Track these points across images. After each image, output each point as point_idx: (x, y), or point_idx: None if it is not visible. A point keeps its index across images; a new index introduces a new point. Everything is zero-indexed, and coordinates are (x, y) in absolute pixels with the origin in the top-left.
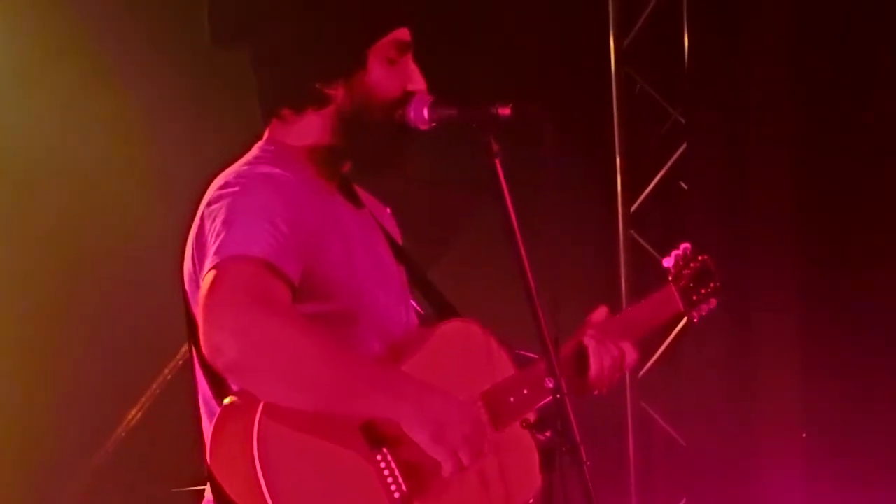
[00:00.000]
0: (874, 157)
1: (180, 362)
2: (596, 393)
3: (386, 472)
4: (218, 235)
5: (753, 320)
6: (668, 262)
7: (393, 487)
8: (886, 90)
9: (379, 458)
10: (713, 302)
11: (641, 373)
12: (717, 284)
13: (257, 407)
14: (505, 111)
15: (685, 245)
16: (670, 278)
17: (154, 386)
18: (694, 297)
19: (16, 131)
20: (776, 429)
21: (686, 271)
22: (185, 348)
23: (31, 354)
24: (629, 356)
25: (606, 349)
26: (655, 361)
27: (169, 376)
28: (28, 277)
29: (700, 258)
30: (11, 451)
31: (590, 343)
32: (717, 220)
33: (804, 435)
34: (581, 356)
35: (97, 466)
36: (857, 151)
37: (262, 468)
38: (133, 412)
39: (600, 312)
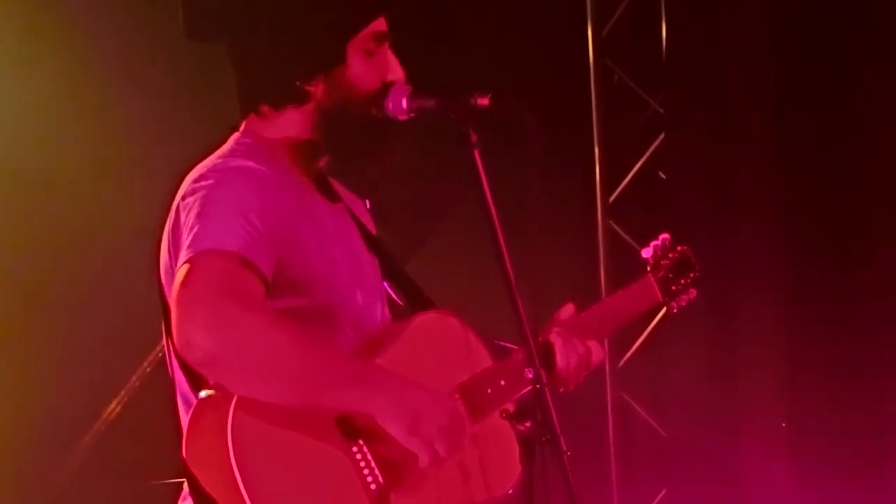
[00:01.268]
0: (857, 145)
1: (160, 355)
2: (562, 390)
3: (362, 465)
4: (192, 229)
5: (734, 310)
6: (646, 253)
7: (369, 479)
8: (868, 78)
9: (355, 450)
10: (693, 292)
11: (622, 363)
12: (697, 275)
13: (231, 400)
14: (483, 102)
15: (664, 236)
16: (649, 269)
17: (133, 379)
18: (673, 288)
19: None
20: (757, 419)
21: (664, 262)
22: (164, 341)
23: (10, 349)
24: (595, 355)
25: (573, 347)
26: (636, 351)
27: (148, 369)
28: (5, 272)
29: (679, 249)
30: None
31: (556, 341)
32: (696, 210)
33: (784, 425)
34: (547, 353)
35: (78, 458)
36: (838, 142)
37: (236, 461)
38: (112, 405)
39: (567, 310)
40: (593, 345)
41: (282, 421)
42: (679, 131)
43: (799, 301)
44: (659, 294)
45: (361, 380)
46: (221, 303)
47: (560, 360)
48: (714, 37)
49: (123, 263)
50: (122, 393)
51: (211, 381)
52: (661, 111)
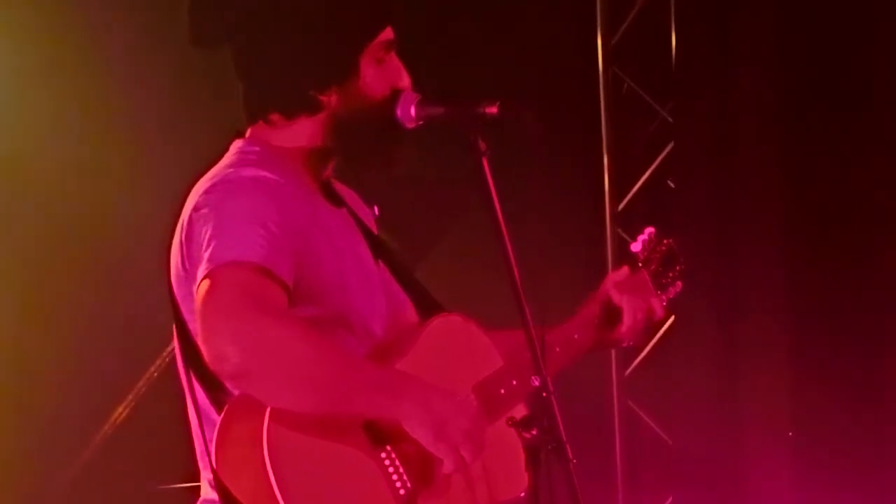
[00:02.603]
0: (863, 155)
1: (167, 360)
2: (626, 345)
3: (391, 470)
4: (210, 241)
5: (740, 318)
6: (636, 247)
7: (398, 485)
8: (876, 88)
9: (383, 455)
10: (679, 285)
11: (628, 371)
12: (683, 267)
13: (263, 411)
14: (492, 110)
15: (650, 229)
16: (640, 263)
17: (141, 383)
18: (663, 281)
19: (5, 131)
20: (763, 428)
21: (654, 255)
22: (171, 346)
23: (19, 352)
24: (658, 311)
25: (638, 304)
26: (642, 360)
27: (156, 374)
28: (15, 276)
29: (665, 242)
30: None
31: (623, 298)
32: (705, 219)
33: (791, 434)
34: (612, 311)
35: (85, 463)
36: (845, 150)
37: (273, 471)
38: (120, 409)
39: (622, 272)
40: (656, 302)
41: (313, 429)
42: (688, 140)
43: (805, 310)
44: (652, 288)
45: (388, 387)
46: (247, 314)
47: (628, 316)
48: (723, 46)
49: (131, 268)
50: (130, 397)
51: (236, 393)
52: (671, 120)
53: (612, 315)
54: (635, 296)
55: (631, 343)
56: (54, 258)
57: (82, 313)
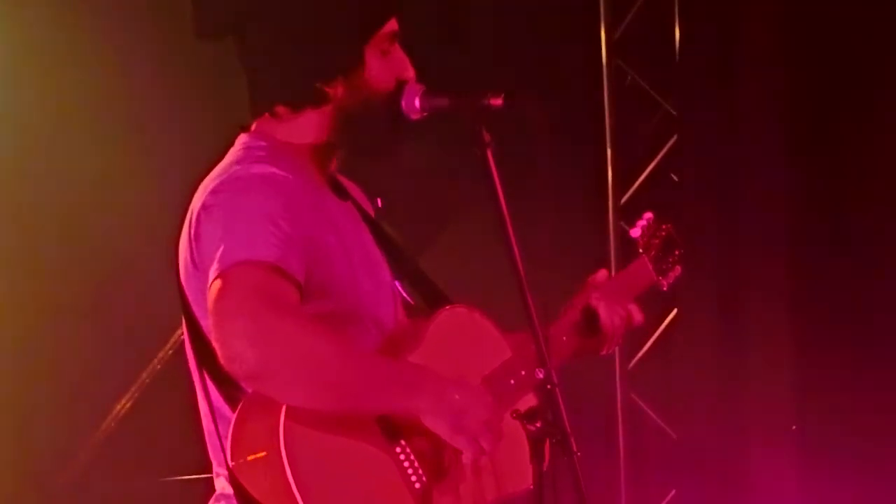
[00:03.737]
0: (868, 148)
1: (170, 352)
2: (604, 352)
3: (406, 464)
4: (221, 241)
5: (743, 311)
6: (635, 233)
7: (413, 479)
8: (881, 80)
9: (398, 450)
10: (678, 269)
11: (631, 364)
12: (682, 252)
13: (278, 409)
14: (496, 101)
15: (648, 215)
16: (641, 249)
17: (144, 376)
18: (663, 266)
19: (14, 130)
20: (766, 420)
21: (655, 240)
22: (174, 338)
23: (22, 346)
24: (636, 316)
25: (615, 310)
26: (646, 353)
27: (158, 366)
28: (16, 270)
29: (664, 227)
30: (1, 440)
31: (599, 304)
32: (708, 213)
33: (794, 427)
34: (591, 317)
35: (88, 456)
36: (850, 142)
37: (290, 468)
38: (123, 402)
39: (601, 275)
40: (633, 307)
41: (327, 426)
42: (691, 133)
43: (809, 303)
44: (653, 273)
45: (404, 381)
46: (262, 314)
47: (605, 322)
48: (727, 38)
49: (134, 261)
50: (133, 390)
51: (249, 391)
52: (674, 113)
53: (592, 320)
54: (613, 301)
55: (609, 350)
56: (57, 252)
57: (86, 306)
